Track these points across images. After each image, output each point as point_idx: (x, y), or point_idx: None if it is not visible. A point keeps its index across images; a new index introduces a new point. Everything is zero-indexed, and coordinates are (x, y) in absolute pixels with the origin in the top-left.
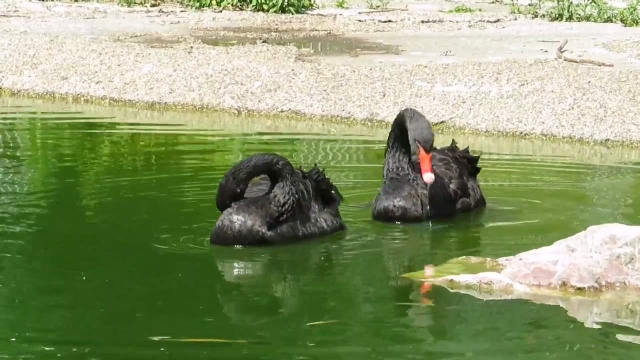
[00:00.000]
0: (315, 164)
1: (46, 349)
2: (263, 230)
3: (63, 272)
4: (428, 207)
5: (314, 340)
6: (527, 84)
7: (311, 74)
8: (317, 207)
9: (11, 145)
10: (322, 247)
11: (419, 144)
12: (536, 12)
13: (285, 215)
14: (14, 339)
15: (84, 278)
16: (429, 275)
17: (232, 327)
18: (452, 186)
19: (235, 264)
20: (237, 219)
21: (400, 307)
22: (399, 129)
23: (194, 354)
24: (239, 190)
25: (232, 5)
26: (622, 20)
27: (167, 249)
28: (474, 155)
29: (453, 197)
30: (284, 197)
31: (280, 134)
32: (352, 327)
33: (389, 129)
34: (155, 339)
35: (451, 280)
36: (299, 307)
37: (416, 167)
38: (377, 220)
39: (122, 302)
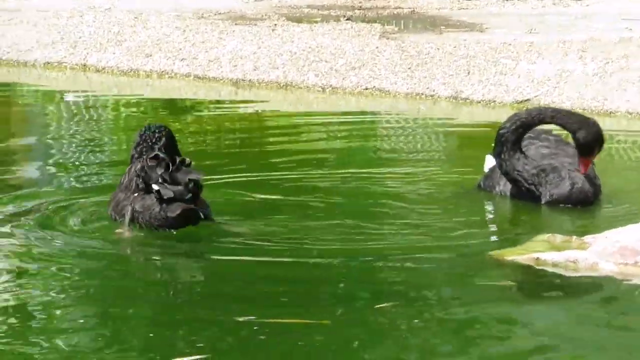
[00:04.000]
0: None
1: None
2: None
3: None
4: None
5: (389, 321)
6: (612, 62)
7: (395, 51)
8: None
9: (95, 121)
10: (403, 225)
11: (597, 149)
12: None
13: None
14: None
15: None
16: (515, 253)
17: (306, 308)
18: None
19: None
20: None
21: (485, 287)
22: (524, 129)
23: (275, 332)
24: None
25: None
26: None
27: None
28: None
29: (597, 175)
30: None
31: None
32: (434, 307)
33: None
34: (241, 319)
35: (537, 258)
36: (379, 285)
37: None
38: (551, 205)
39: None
